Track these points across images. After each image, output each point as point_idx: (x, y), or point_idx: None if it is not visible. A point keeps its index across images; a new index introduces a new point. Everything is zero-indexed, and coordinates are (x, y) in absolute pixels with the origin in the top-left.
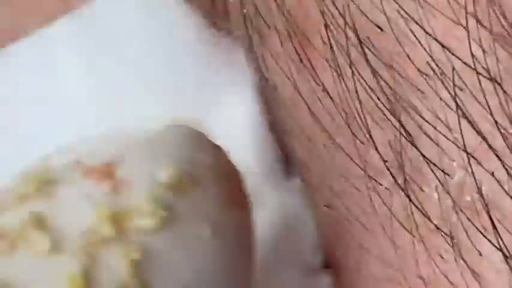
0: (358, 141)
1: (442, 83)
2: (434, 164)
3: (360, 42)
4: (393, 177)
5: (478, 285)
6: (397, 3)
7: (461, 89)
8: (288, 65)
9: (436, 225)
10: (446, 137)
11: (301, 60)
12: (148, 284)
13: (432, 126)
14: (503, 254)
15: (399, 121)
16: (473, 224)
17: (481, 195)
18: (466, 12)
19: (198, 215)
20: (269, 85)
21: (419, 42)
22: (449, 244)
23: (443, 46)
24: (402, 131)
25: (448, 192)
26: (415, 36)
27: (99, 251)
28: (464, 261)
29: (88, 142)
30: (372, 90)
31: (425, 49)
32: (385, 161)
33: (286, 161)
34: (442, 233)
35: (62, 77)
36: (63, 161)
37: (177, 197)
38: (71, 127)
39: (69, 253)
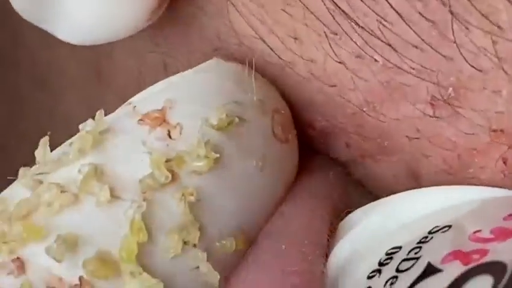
0: None
1: None
2: None
3: None
4: None
5: None
6: None
7: None
8: None
9: None
10: None
11: None
12: (201, 223)
13: None
14: None
15: None
16: None
17: None
18: None
19: (246, 153)
20: None
21: None
22: None
23: None
24: None
25: None
26: None
27: (155, 196)
28: None
29: (143, 91)
30: None
31: None
32: None
33: None
34: None
35: None
36: (119, 112)
37: (227, 138)
38: None
39: (128, 200)
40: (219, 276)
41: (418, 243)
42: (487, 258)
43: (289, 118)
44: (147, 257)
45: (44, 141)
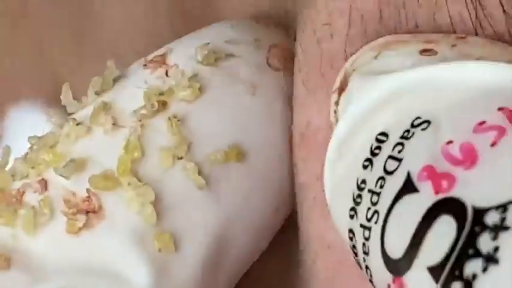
0: None
1: None
2: None
3: None
4: None
5: None
6: None
7: None
8: None
9: None
10: None
11: None
12: (190, 140)
13: None
14: None
15: None
16: None
17: None
18: None
19: (235, 81)
20: None
21: None
22: None
23: None
24: None
25: None
26: None
27: (149, 122)
28: None
29: None
30: None
31: None
32: None
33: None
34: None
35: None
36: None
37: (214, 71)
38: None
39: (128, 127)
40: (204, 181)
41: (401, 137)
42: (453, 193)
43: (287, 51)
44: (142, 170)
45: (66, 87)
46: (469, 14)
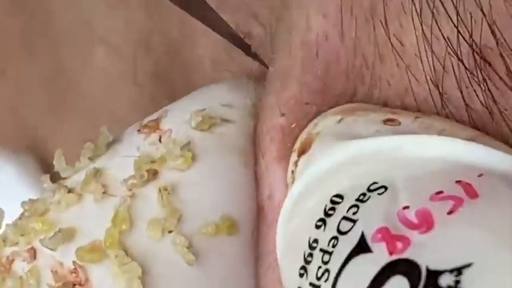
0: None
1: None
2: None
3: None
4: None
5: None
6: None
7: None
8: None
9: None
10: None
11: None
12: (182, 212)
13: None
14: None
15: None
16: None
17: None
18: None
19: (228, 150)
20: None
21: None
22: None
23: None
24: None
25: None
26: None
27: (140, 191)
28: None
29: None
30: None
31: None
32: None
33: None
34: None
35: None
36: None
37: (209, 138)
38: None
39: (118, 196)
40: (194, 257)
41: (356, 200)
42: (407, 254)
43: None
44: (130, 241)
45: (58, 153)
46: (433, 101)
